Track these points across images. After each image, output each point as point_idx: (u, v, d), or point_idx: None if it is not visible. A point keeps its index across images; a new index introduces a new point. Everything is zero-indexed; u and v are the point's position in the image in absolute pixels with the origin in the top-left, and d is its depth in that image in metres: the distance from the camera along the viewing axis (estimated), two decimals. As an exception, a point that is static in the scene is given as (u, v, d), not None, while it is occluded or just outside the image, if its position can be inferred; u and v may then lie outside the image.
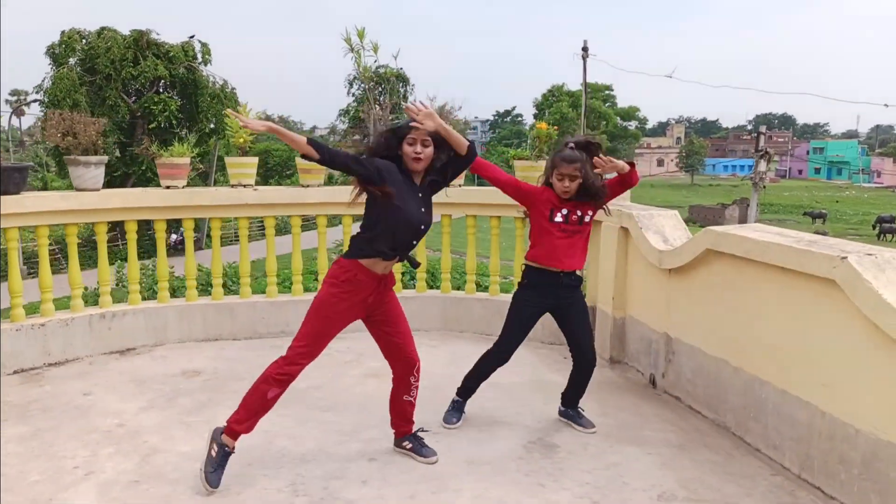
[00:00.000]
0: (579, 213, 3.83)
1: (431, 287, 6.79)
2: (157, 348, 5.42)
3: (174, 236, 25.87)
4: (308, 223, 14.67)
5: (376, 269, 3.32)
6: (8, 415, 4.15)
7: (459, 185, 5.90)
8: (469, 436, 3.97)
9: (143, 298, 5.74)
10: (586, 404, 4.41)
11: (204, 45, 27.92)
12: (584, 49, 4.94)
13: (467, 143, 3.30)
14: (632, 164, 3.81)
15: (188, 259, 5.70)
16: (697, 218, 56.27)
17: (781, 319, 3.58)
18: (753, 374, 3.78)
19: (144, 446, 3.76)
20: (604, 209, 3.99)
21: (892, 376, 2.93)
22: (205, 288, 7.11)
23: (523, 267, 4.03)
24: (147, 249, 15.18)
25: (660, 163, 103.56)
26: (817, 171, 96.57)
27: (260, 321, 5.73)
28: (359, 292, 3.32)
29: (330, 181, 6.68)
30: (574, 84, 58.91)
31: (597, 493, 3.33)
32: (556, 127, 6.01)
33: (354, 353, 5.31)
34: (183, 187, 5.48)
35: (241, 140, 5.58)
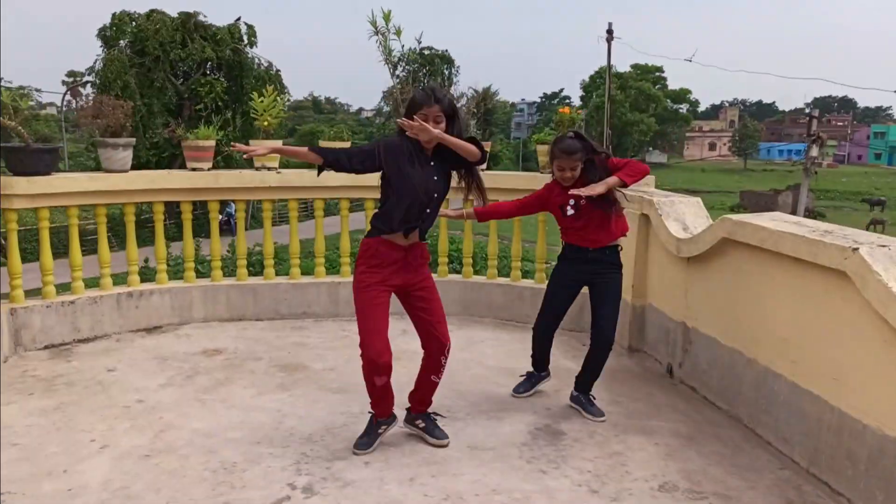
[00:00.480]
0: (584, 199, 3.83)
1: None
2: (183, 327, 5.56)
3: (221, 216, 26.40)
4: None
5: (397, 241, 3.38)
6: (34, 388, 4.32)
7: (482, 170, 5.88)
8: (477, 421, 3.98)
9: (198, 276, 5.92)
10: (599, 391, 4.39)
11: (250, 27, 28.27)
12: (609, 32, 4.79)
13: (478, 152, 3.33)
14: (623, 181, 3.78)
15: (213, 241, 5.82)
16: (748, 204, 55.01)
17: (794, 311, 3.49)
18: (766, 366, 3.71)
19: (159, 422, 3.88)
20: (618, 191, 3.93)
21: (900, 372, 2.84)
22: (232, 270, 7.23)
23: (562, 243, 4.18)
24: (196, 230, 15.50)
25: (712, 146, 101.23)
26: (878, 156, 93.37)
27: (283, 302, 5.82)
28: (384, 266, 3.39)
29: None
30: (622, 65, 58.02)
31: (596, 482, 3.32)
32: (579, 111, 5.93)
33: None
34: (208, 169, 5.58)
35: (266, 123, 5.66)
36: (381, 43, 5.67)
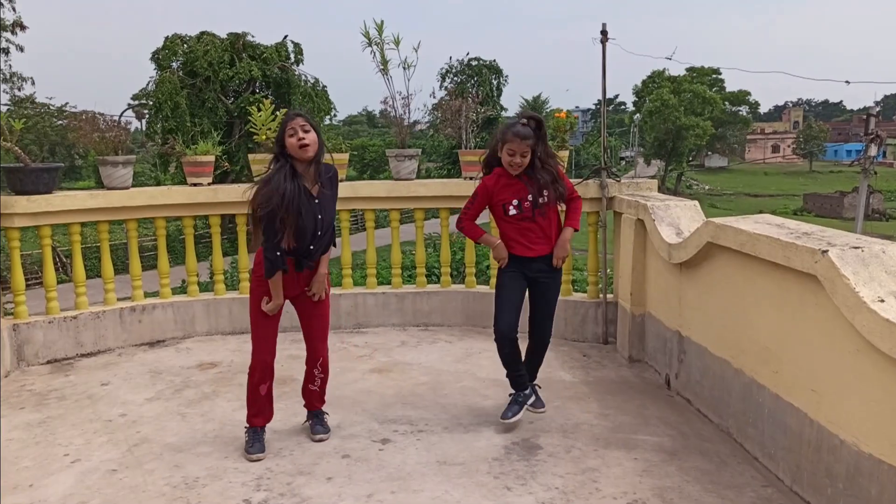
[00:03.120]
0: (530, 199, 3.72)
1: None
2: (185, 341, 5.62)
3: None
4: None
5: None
6: (27, 402, 4.41)
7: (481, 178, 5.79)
8: (454, 435, 3.88)
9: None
10: (589, 403, 4.25)
11: (296, 45, 28.77)
12: (603, 33, 4.60)
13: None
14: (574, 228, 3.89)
15: (215, 255, 5.87)
16: (813, 207, 53.19)
17: (774, 319, 3.28)
18: (751, 377, 3.50)
19: (136, 436, 3.90)
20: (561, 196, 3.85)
21: (870, 382, 2.62)
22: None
23: None
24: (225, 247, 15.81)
25: (775, 149, 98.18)
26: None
27: (284, 315, 5.79)
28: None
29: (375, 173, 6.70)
30: (677, 69, 56.82)
31: (561, 499, 3.17)
32: (576, 116, 5.78)
33: (370, 348, 5.32)
34: (208, 184, 5.63)
35: (264, 137, 5.68)
36: (375, 53, 5.62)
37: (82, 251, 5.55)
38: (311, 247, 3.51)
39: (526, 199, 3.72)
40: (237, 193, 5.69)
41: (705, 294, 3.99)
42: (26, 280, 5.23)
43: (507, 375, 3.97)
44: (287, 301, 3.69)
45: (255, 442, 3.64)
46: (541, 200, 3.72)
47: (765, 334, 3.36)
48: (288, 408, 4.22)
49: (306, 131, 3.35)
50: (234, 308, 5.77)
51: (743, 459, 3.50)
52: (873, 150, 20.85)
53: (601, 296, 5.49)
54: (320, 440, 3.77)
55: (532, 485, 3.31)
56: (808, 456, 3.03)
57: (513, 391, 3.98)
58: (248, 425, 3.70)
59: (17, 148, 4.75)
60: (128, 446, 3.77)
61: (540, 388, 4.11)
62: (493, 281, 5.89)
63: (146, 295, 5.77)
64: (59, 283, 5.51)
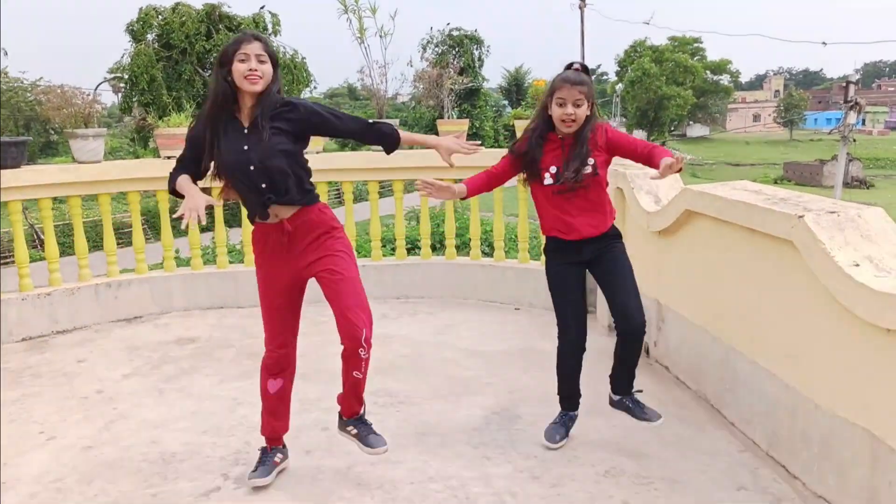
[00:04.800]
0: (577, 165, 3.05)
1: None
2: (163, 316, 5.56)
3: None
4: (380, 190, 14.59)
5: (266, 220, 2.90)
6: (1, 381, 4.35)
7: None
8: (433, 406, 3.87)
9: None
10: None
11: (274, 15, 28.27)
12: None
13: (396, 137, 2.98)
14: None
15: (192, 231, 5.78)
16: (793, 176, 53.47)
17: (751, 285, 3.29)
18: (729, 344, 3.51)
19: (112, 412, 3.86)
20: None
21: (845, 346, 2.63)
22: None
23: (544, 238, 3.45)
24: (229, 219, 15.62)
25: (756, 118, 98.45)
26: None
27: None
28: (268, 252, 2.96)
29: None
30: (658, 37, 56.67)
31: (540, 468, 3.18)
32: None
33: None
34: (182, 158, 5.53)
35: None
36: (352, 21, 5.51)
37: (59, 228, 5.45)
38: (266, 196, 2.80)
39: (568, 168, 3.07)
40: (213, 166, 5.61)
41: (684, 262, 3.99)
42: (2, 257, 5.12)
43: (560, 391, 3.44)
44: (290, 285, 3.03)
45: (258, 465, 3.09)
46: (585, 170, 3.07)
47: (742, 301, 3.37)
48: (267, 382, 4.19)
49: (262, 62, 2.72)
50: (212, 282, 5.71)
51: (720, 425, 3.52)
52: (852, 118, 20.97)
53: (581, 265, 5.47)
54: (384, 452, 3.00)
55: (511, 454, 3.31)
56: (784, 421, 3.05)
57: (562, 411, 3.46)
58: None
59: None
60: (104, 422, 3.74)
61: (641, 391, 3.44)
62: (474, 252, 5.89)
63: (122, 272, 5.69)
64: (37, 260, 5.43)
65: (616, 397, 3.42)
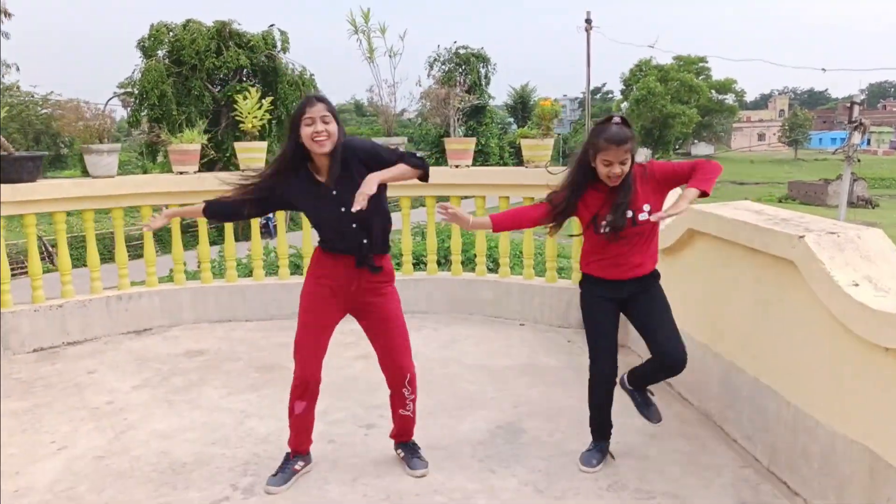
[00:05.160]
0: (630, 213, 3.07)
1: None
2: (172, 329, 5.63)
3: (261, 220, 26.66)
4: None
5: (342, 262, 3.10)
6: (13, 391, 4.42)
7: (467, 166, 5.82)
8: (438, 420, 3.92)
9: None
10: (571, 388, 4.28)
11: (283, 33, 28.57)
12: (588, 21, 4.66)
13: (415, 170, 2.99)
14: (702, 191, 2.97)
15: (201, 244, 5.87)
16: (797, 195, 53.46)
17: (752, 304, 3.35)
18: (730, 361, 3.57)
19: (123, 423, 3.92)
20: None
21: (845, 364, 2.69)
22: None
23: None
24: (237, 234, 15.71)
25: (760, 137, 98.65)
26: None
27: (272, 302, 5.85)
28: (330, 277, 3.15)
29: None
30: (663, 58, 56.97)
31: (544, 481, 3.23)
32: (562, 104, 5.82)
33: (355, 336, 5.33)
34: (194, 172, 5.63)
35: (250, 125, 5.69)
36: (361, 41, 5.62)
37: (68, 241, 5.54)
38: (364, 241, 3.03)
39: (617, 210, 3.07)
40: (220, 181, 5.67)
41: (686, 280, 4.05)
42: (11, 270, 5.20)
43: (591, 423, 3.42)
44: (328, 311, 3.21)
45: (278, 470, 3.25)
46: (640, 217, 3.09)
47: (743, 319, 3.42)
48: (274, 394, 4.25)
49: (326, 122, 2.88)
50: (220, 296, 5.78)
51: (722, 441, 3.57)
52: (857, 138, 21.01)
53: (586, 282, 5.53)
54: (422, 475, 3.26)
55: (515, 467, 3.36)
56: (785, 437, 3.09)
57: (596, 441, 3.43)
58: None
59: (0, 136, 4.73)
60: (115, 433, 3.80)
61: (653, 395, 3.49)
62: (479, 268, 5.96)
63: (132, 284, 5.77)
64: (45, 272, 5.52)
65: (629, 386, 3.46)
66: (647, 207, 3.09)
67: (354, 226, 3.00)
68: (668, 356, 3.16)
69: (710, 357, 3.74)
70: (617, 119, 3.10)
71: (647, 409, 3.41)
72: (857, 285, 2.63)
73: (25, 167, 4.94)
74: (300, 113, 2.91)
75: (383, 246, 3.14)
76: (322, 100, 2.95)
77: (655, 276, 3.30)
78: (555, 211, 3.19)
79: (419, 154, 3.13)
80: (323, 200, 3.01)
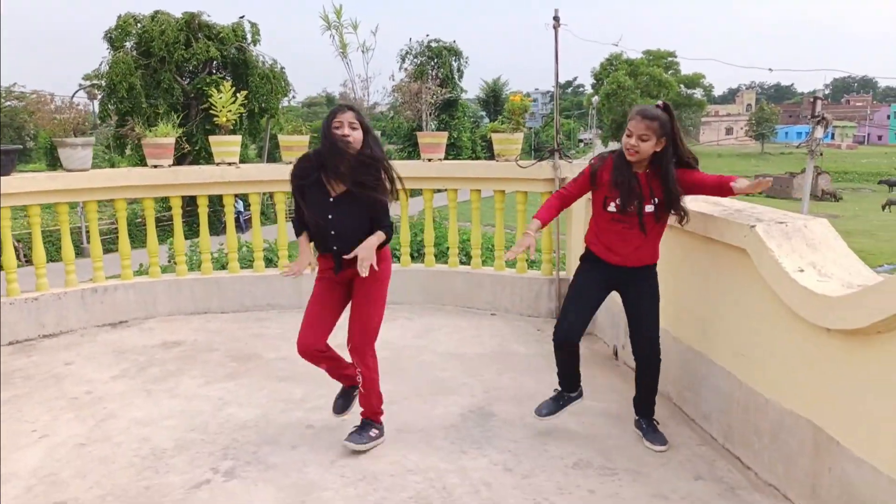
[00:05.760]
0: (636, 203, 3.23)
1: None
2: (148, 321, 5.69)
3: (243, 212, 26.29)
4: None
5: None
6: (-10, 382, 4.47)
7: (440, 160, 5.95)
8: (412, 406, 4.06)
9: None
10: (542, 374, 4.42)
11: (253, 25, 28.43)
12: (556, 18, 4.76)
13: (384, 240, 3.34)
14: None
15: (176, 237, 5.94)
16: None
17: (708, 290, 3.54)
18: (688, 345, 3.75)
19: (102, 412, 4.00)
20: (681, 213, 3.31)
21: (791, 345, 2.88)
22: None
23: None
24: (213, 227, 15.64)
25: (728, 131, 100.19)
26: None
27: (247, 294, 5.94)
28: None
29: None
30: (632, 52, 57.46)
31: (513, 461, 3.38)
32: (530, 98, 5.97)
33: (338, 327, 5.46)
34: (168, 166, 5.69)
35: (224, 119, 5.76)
36: (334, 38, 5.72)
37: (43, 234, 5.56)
38: (334, 247, 3.33)
39: (634, 199, 3.24)
40: (197, 175, 5.78)
41: (649, 269, 4.22)
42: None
43: (558, 373, 3.63)
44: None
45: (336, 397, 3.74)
46: (648, 208, 3.25)
47: (700, 304, 3.61)
48: (252, 383, 4.37)
49: (353, 128, 3.18)
50: (195, 288, 5.85)
51: (681, 421, 3.76)
52: (819, 133, 21.40)
53: (554, 273, 5.71)
54: (355, 450, 3.46)
55: (487, 448, 3.51)
56: (738, 415, 3.28)
57: (557, 388, 3.68)
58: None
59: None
60: (95, 421, 3.88)
61: (658, 423, 3.59)
62: (452, 260, 6.10)
63: (108, 277, 5.81)
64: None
65: (636, 417, 3.66)
66: (655, 201, 3.27)
67: (333, 233, 3.33)
68: (640, 351, 3.50)
69: (670, 341, 3.92)
70: (660, 103, 3.28)
71: (651, 435, 3.53)
72: (802, 271, 2.82)
73: (1, 161, 4.97)
74: (332, 118, 3.21)
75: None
76: (352, 108, 3.25)
77: (652, 269, 3.49)
78: (591, 171, 3.36)
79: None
80: (320, 202, 3.30)
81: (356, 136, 3.20)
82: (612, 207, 3.30)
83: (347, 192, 3.28)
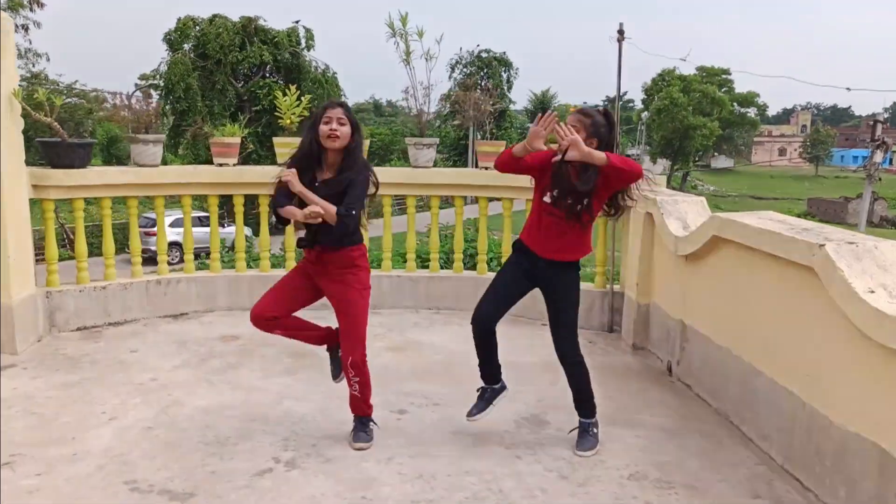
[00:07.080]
0: (570, 199, 3.30)
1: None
2: (207, 314, 5.85)
3: None
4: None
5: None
6: (61, 365, 4.65)
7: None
8: (466, 408, 4.08)
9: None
10: (595, 388, 4.38)
11: (308, 30, 29.00)
12: (620, 32, 4.73)
13: (336, 220, 3.36)
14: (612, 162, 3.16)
15: (238, 233, 6.10)
16: (816, 212, 53.24)
17: (773, 308, 3.52)
18: (750, 363, 3.73)
19: (167, 398, 4.14)
20: (617, 203, 3.45)
21: (860, 367, 2.86)
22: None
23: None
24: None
25: (781, 152, 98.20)
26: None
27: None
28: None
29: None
30: (685, 68, 56.85)
31: (568, 468, 3.41)
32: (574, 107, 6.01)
33: (385, 328, 5.55)
34: (234, 165, 5.86)
35: (289, 121, 5.90)
36: (399, 45, 5.83)
37: (88, 229, 5.74)
38: (301, 237, 3.54)
39: (565, 198, 3.31)
40: (261, 175, 5.93)
41: (709, 285, 4.22)
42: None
43: (479, 365, 3.71)
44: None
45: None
46: (578, 207, 3.32)
47: (764, 323, 3.59)
48: (309, 378, 4.47)
49: (342, 124, 3.35)
50: (254, 285, 5.97)
51: (739, 440, 3.73)
52: (878, 157, 21.00)
53: (608, 286, 5.71)
54: (359, 449, 3.55)
55: (541, 455, 3.55)
56: (800, 436, 3.26)
57: (481, 386, 3.75)
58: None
59: (55, 123, 4.97)
60: (160, 407, 4.02)
61: (595, 427, 3.67)
62: (434, 266, 6.19)
63: (171, 270, 6.00)
64: (64, 259, 5.74)
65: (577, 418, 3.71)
66: (585, 202, 3.32)
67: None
68: (559, 352, 3.64)
69: (731, 359, 3.91)
70: (601, 108, 3.52)
71: (583, 440, 3.61)
72: (872, 292, 2.80)
73: (77, 154, 5.19)
74: (321, 113, 3.38)
75: (335, 243, 3.47)
76: (342, 105, 3.43)
77: (574, 267, 3.55)
78: (544, 166, 3.41)
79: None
80: (306, 186, 3.39)
81: (344, 132, 3.35)
82: (547, 199, 3.40)
83: (330, 179, 3.42)
